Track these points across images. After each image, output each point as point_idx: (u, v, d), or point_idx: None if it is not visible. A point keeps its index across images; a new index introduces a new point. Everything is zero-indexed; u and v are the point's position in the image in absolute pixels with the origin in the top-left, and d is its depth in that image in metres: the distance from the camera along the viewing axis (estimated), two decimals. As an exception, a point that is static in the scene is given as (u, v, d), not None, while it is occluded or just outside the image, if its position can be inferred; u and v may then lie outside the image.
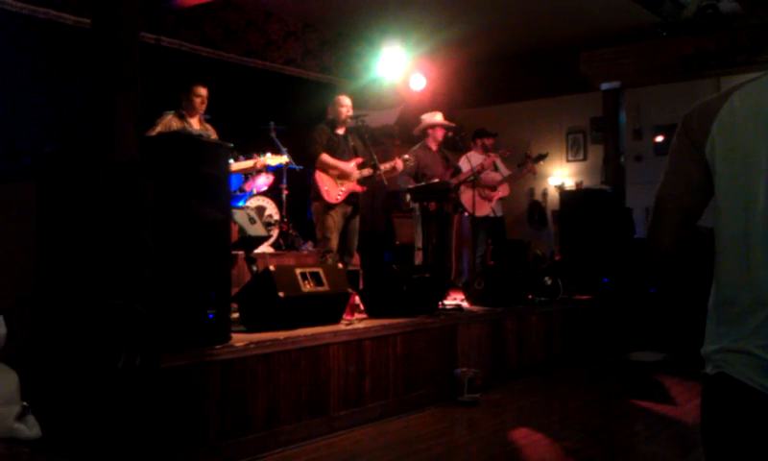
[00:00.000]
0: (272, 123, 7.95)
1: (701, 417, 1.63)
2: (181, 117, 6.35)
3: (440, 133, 7.75)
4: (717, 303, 1.61)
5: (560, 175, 11.47)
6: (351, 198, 6.66)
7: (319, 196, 6.54)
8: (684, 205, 1.67)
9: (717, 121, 1.59)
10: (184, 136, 4.67)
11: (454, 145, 8.20)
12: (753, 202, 1.53)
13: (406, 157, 7.12)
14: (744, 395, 1.51)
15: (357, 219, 6.80)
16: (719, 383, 1.56)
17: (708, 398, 1.61)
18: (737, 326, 1.54)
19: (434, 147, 7.74)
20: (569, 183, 11.18)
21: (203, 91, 6.42)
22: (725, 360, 1.55)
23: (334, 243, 6.51)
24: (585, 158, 11.35)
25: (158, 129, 6.12)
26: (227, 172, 4.76)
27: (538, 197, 11.63)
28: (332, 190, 6.53)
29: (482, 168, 8.13)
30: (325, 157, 6.55)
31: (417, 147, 7.77)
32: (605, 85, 9.54)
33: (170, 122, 6.24)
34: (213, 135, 6.24)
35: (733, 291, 1.56)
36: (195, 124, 6.35)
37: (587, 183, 10.58)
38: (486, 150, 8.58)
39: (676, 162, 1.68)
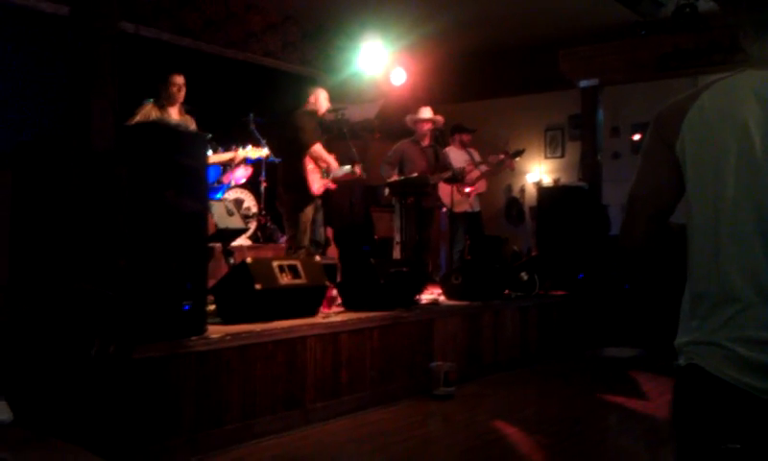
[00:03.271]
0: (251, 115, 7.92)
1: (672, 407, 1.66)
2: (161, 107, 6.31)
3: (423, 127, 7.73)
4: (690, 297, 1.64)
5: (538, 171, 11.52)
6: (324, 193, 6.70)
7: (300, 188, 6.50)
8: (656, 202, 1.71)
9: (687, 120, 1.62)
10: (162, 126, 4.66)
11: (435, 140, 8.22)
12: (721, 199, 1.56)
13: (357, 171, 6.96)
14: (714, 386, 1.54)
15: (323, 211, 6.84)
16: (690, 375, 1.59)
17: (679, 389, 1.64)
18: (708, 319, 1.57)
19: (423, 142, 7.71)
20: (547, 180, 11.25)
21: (179, 80, 6.37)
22: (696, 352, 1.58)
23: (307, 234, 6.52)
24: (563, 155, 11.41)
25: (137, 118, 6.09)
26: (204, 163, 4.75)
27: (515, 193, 11.68)
28: (316, 182, 6.54)
29: (464, 172, 8.14)
30: (318, 148, 6.53)
31: (404, 140, 7.77)
32: (583, 83, 9.61)
33: (149, 112, 6.21)
34: (192, 126, 6.22)
35: (705, 286, 1.59)
36: (174, 114, 6.32)
37: (564, 180, 10.64)
38: (463, 145, 8.61)
39: (647, 160, 1.72)
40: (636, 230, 1.74)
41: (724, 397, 1.53)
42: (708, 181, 1.59)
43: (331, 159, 6.61)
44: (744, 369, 1.50)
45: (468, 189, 8.39)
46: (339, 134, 6.95)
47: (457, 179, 7.82)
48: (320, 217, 6.79)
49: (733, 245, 1.55)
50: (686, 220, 1.66)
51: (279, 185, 6.81)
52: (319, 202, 6.72)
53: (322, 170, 6.58)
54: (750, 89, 1.57)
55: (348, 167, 6.84)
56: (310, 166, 6.54)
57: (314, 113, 6.79)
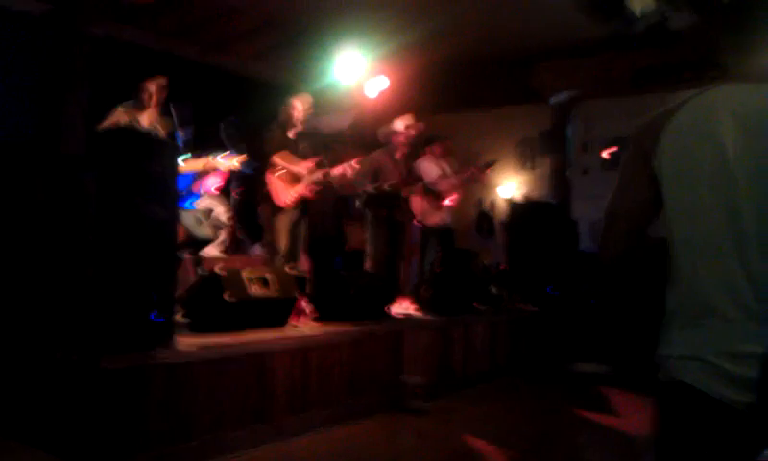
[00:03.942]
0: (223, 123, 7.84)
1: (655, 424, 1.64)
2: (132, 112, 6.21)
3: (398, 139, 7.67)
4: (671, 309, 1.64)
5: (510, 185, 11.58)
6: (301, 203, 6.58)
7: (268, 199, 6.46)
8: (633, 216, 1.72)
9: (664, 134, 1.64)
10: (130, 132, 4.59)
11: (409, 152, 8.18)
12: (697, 213, 1.58)
13: (354, 163, 7.02)
14: (701, 403, 1.54)
15: (305, 223, 6.72)
16: (676, 391, 1.59)
17: (663, 405, 1.63)
18: (691, 333, 1.58)
19: (397, 154, 7.65)
20: (519, 193, 11.30)
21: (151, 86, 6.29)
22: (683, 367, 1.58)
23: (282, 246, 6.44)
24: (535, 169, 11.48)
25: (107, 123, 5.98)
26: (174, 171, 4.67)
27: (486, 207, 11.71)
28: (283, 193, 6.47)
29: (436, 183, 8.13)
30: (277, 160, 6.48)
31: (378, 150, 7.72)
32: (554, 98, 9.68)
33: (119, 117, 6.10)
34: (163, 131, 6.13)
35: (685, 299, 1.61)
36: (146, 119, 6.22)
37: (535, 195, 10.70)
38: (437, 157, 8.60)
39: (626, 175, 1.74)
40: (614, 244, 1.76)
41: (710, 412, 1.53)
42: (684, 196, 1.61)
43: (293, 166, 6.51)
44: (729, 384, 1.51)
45: (448, 202, 8.39)
46: (312, 145, 6.87)
47: (431, 191, 7.79)
48: (298, 231, 6.67)
49: (710, 259, 1.56)
50: (665, 234, 1.66)
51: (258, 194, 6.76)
52: (296, 214, 6.59)
53: (286, 181, 6.49)
54: (724, 105, 1.60)
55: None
56: (275, 179, 6.47)
57: (281, 126, 6.72)
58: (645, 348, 1.71)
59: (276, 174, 6.49)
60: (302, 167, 6.57)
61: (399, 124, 7.71)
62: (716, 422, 1.52)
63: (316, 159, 6.63)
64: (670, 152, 1.62)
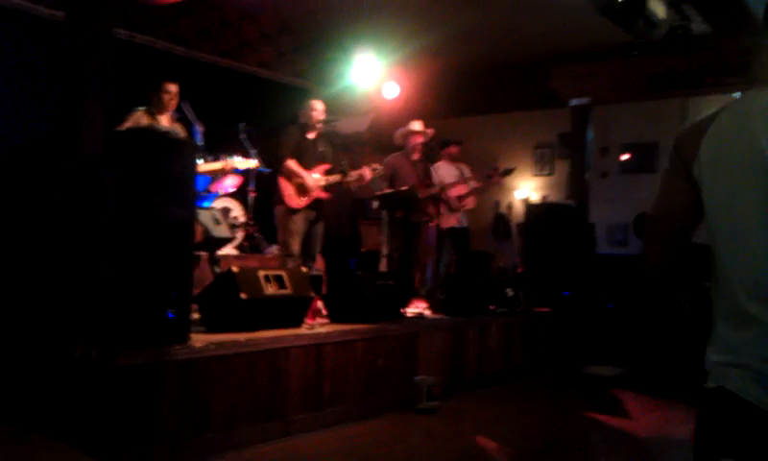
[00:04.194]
0: (242, 125, 7.93)
1: (696, 431, 1.63)
2: (151, 114, 6.32)
3: (415, 141, 7.70)
4: (716, 317, 1.64)
5: (526, 188, 11.58)
6: (315, 204, 6.64)
7: (281, 200, 6.53)
8: (675, 223, 1.72)
9: (705, 140, 1.64)
10: (152, 133, 4.66)
11: (425, 156, 8.22)
12: (736, 220, 1.58)
13: (375, 166, 7.11)
14: (741, 410, 1.52)
15: (321, 225, 6.77)
16: (717, 398, 1.58)
17: (705, 412, 1.62)
18: (731, 338, 1.57)
19: (414, 156, 7.67)
20: (535, 197, 11.30)
21: (171, 87, 6.39)
22: (726, 374, 1.57)
23: (296, 247, 6.49)
24: (551, 173, 11.48)
25: (127, 125, 6.09)
26: (193, 171, 4.75)
27: (503, 210, 11.72)
28: (295, 195, 6.53)
29: (452, 185, 8.17)
30: (290, 164, 6.52)
31: (395, 154, 7.76)
32: (574, 102, 9.68)
33: (139, 119, 6.22)
34: (182, 134, 6.23)
35: (726, 303, 1.60)
36: (164, 121, 6.33)
37: (552, 198, 10.69)
38: (453, 160, 8.65)
39: (667, 181, 1.74)
40: (656, 250, 1.77)
41: (750, 420, 1.51)
42: (724, 202, 1.60)
43: (305, 176, 6.54)
44: None
45: (464, 204, 8.43)
46: (331, 146, 6.94)
47: (440, 197, 7.79)
48: (314, 232, 6.73)
49: (748, 266, 1.55)
50: (708, 240, 1.66)
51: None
52: (311, 215, 6.66)
53: (298, 185, 6.54)
54: (761, 110, 1.59)
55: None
56: (288, 181, 6.53)
57: (301, 128, 6.78)
58: (657, 351, 1.72)
59: (287, 177, 6.54)
60: (313, 175, 6.60)
61: (416, 125, 7.74)
62: (756, 429, 1.50)
63: (325, 167, 6.69)
64: (709, 157, 1.62)
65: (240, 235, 7.49)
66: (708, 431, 1.60)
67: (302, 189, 6.54)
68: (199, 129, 6.90)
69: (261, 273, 4.99)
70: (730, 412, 1.54)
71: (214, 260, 5.90)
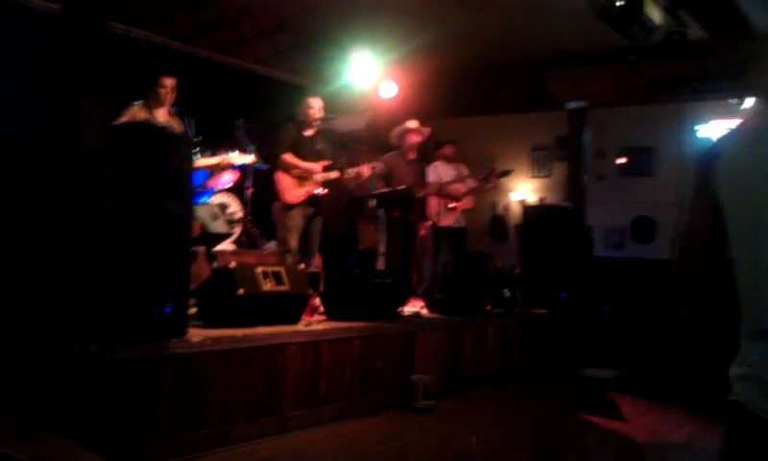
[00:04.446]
0: (239, 121, 7.90)
1: (722, 444, 1.67)
2: (148, 109, 6.28)
3: (411, 139, 7.68)
4: (740, 330, 1.67)
5: (523, 190, 11.58)
6: (313, 199, 6.63)
7: (278, 195, 6.52)
8: (702, 239, 1.77)
9: (724, 158, 1.68)
10: (149, 127, 4.64)
11: (423, 156, 8.21)
12: (757, 236, 1.60)
13: (373, 165, 7.10)
14: (756, 424, 1.54)
15: (319, 221, 6.76)
16: (735, 411, 1.61)
17: (727, 425, 1.65)
18: (750, 352, 1.60)
19: (410, 156, 7.66)
20: (532, 199, 11.30)
21: (168, 82, 6.34)
22: (740, 388, 1.61)
23: (293, 243, 6.49)
24: (549, 175, 11.48)
25: (124, 119, 6.05)
26: (190, 166, 4.72)
27: (500, 210, 11.72)
28: (292, 190, 6.52)
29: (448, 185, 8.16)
30: (287, 157, 6.53)
31: (390, 153, 7.74)
32: (570, 104, 9.68)
33: (136, 113, 6.16)
34: (179, 129, 6.19)
35: (748, 319, 1.63)
36: (161, 116, 6.29)
37: (549, 200, 10.69)
38: (449, 160, 8.64)
39: (694, 198, 1.79)
40: (688, 264, 1.82)
41: (760, 432, 1.53)
42: (742, 219, 1.64)
43: (303, 163, 6.55)
44: None
45: (452, 205, 8.41)
46: (329, 144, 6.92)
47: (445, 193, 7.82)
48: (313, 228, 6.72)
49: (764, 279, 1.58)
50: (732, 255, 1.69)
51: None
52: (309, 211, 6.65)
53: (296, 178, 6.53)
54: None
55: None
56: (285, 176, 6.53)
57: (298, 125, 6.78)
58: (653, 355, 1.74)
59: (285, 171, 6.53)
60: (312, 167, 6.60)
61: (412, 123, 7.74)
62: (764, 441, 1.53)
63: (325, 163, 6.67)
64: (727, 176, 1.66)
65: (237, 231, 7.46)
66: (731, 444, 1.65)
67: (301, 179, 6.53)
68: (191, 124, 6.85)
69: (259, 269, 4.97)
70: (746, 426, 1.57)
71: (211, 256, 5.87)
